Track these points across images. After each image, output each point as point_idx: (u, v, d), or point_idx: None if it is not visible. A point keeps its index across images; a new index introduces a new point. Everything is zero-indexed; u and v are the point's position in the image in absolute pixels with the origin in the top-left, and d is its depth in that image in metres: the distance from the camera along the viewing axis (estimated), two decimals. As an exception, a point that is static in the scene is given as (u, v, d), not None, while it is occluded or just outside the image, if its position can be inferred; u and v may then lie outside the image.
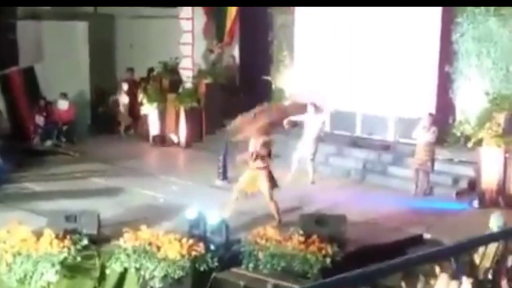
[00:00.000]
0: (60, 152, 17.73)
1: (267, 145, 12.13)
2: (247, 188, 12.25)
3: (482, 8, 14.87)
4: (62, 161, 16.85)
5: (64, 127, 18.81)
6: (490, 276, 8.80)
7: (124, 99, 19.91)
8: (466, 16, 15.15)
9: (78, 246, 10.69)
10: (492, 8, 14.76)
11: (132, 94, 19.91)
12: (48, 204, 12.95)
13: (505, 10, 14.54)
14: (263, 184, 12.06)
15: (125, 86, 19.89)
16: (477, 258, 8.84)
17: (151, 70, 19.55)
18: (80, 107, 19.83)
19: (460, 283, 7.81)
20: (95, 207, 12.12)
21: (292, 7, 17.76)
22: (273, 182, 12.14)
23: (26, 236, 10.74)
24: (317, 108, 14.98)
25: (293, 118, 15.01)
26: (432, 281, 5.75)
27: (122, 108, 19.96)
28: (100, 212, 11.51)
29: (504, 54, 14.72)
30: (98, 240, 11.09)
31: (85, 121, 20.28)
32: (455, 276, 7.51)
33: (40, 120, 18.53)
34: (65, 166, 16.23)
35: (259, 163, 12.04)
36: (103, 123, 20.11)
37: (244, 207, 12.78)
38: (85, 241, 10.79)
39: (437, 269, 6.55)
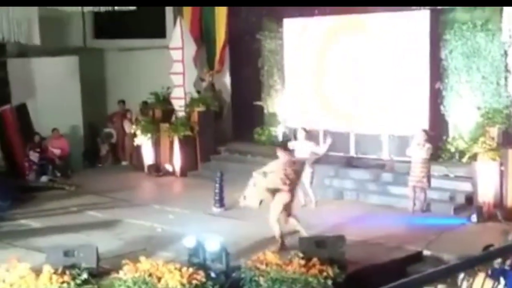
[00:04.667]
0: (55, 187, 17.68)
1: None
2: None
3: (470, 23, 14.99)
4: (57, 196, 16.78)
5: (59, 162, 18.82)
6: None
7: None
8: (454, 33, 15.26)
9: (78, 281, 10.63)
10: (479, 24, 14.88)
11: (122, 126, 20.03)
12: (46, 240, 12.88)
13: (492, 25, 14.67)
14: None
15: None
16: None
17: (145, 103, 19.59)
18: (74, 141, 19.85)
19: (497, 283, 7.87)
20: (93, 241, 12.08)
21: (280, 32, 17.88)
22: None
23: (25, 273, 10.66)
24: (307, 132, 15.06)
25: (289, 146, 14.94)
26: (471, 279, 5.80)
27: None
28: (98, 245, 11.46)
29: (494, 68, 14.82)
30: (98, 274, 11.03)
31: (79, 154, 20.29)
32: (492, 275, 7.54)
33: (34, 156, 18.49)
34: (61, 200, 16.16)
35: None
36: (97, 156, 20.26)
37: (243, 232, 12.78)
38: (84, 275, 10.73)
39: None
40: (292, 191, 12.15)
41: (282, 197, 12.06)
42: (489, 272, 7.44)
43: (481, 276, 5.45)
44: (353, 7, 16.17)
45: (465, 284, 6.04)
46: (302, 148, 14.76)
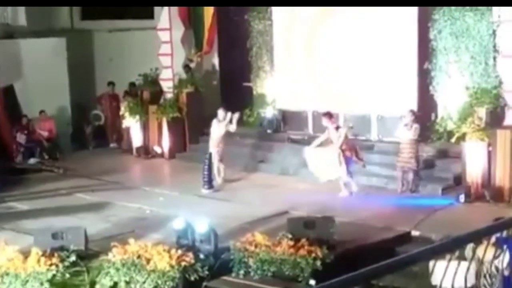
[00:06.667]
0: (43, 169, 17.59)
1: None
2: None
3: (458, 3, 14.94)
4: (46, 178, 16.72)
5: (46, 144, 18.72)
6: None
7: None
8: (443, 13, 15.20)
9: (66, 263, 10.61)
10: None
11: (113, 107, 19.91)
12: (34, 222, 12.84)
13: (481, 4, 14.62)
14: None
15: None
16: None
17: (132, 84, 19.47)
18: (61, 123, 19.74)
19: (500, 250, 7.97)
20: (81, 223, 12.05)
21: (269, 12, 17.78)
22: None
23: (13, 255, 10.64)
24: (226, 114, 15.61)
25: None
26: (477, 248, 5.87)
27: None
28: (87, 227, 11.44)
29: (482, 48, 14.77)
30: (86, 256, 11.02)
31: (67, 136, 20.19)
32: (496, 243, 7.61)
33: (22, 138, 18.39)
34: (49, 183, 16.10)
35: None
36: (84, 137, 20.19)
37: (231, 213, 12.79)
38: (73, 258, 10.71)
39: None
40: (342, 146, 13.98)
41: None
42: (494, 240, 7.48)
43: (485, 244, 5.49)
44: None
45: (471, 253, 6.08)
46: (215, 128, 15.36)
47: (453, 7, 15.01)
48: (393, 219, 12.42)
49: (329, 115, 14.63)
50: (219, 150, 15.23)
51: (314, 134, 16.53)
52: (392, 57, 15.65)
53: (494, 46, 14.57)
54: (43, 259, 10.51)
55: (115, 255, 10.60)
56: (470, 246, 6.05)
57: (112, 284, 10.51)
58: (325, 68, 16.79)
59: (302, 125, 17.36)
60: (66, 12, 21.96)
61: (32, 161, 18.18)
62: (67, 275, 10.53)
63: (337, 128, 14.32)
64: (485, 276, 8.12)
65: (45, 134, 18.87)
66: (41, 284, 10.33)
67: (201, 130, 18.51)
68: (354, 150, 14.30)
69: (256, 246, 10.63)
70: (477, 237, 4.22)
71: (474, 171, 13.53)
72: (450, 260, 3.77)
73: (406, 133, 13.94)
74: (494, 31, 14.48)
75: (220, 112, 15.55)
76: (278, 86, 17.79)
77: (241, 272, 10.47)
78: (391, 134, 14.98)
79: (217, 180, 15.23)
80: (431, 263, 3.74)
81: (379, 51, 15.85)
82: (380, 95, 15.87)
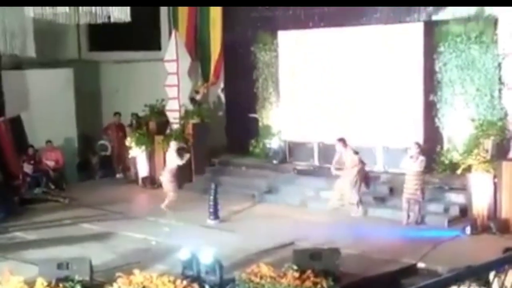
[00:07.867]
0: (49, 199, 17.61)
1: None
2: None
3: (464, 36, 15.02)
4: (51, 208, 16.72)
5: (53, 174, 18.77)
6: None
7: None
8: (448, 45, 15.29)
9: (71, 293, 10.60)
10: (473, 36, 14.91)
11: (119, 138, 19.98)
12: (40, 252, 12.83)
13: (486, 37, 14.71)
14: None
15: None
16: None
17: (135, 115, 19.52)
18: (68, 153, 19.81)
19: None
20: (87, 253, 12.03)
21: (275, 44, 17.90)
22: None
23: (18, 286, 10.62)
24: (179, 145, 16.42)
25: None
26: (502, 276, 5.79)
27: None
28: (92, 258, 11.42)
29: (488, 80, 14.83)
30: (91, 286, 10.99)
31: (73, 167, 20.24)
32: None
33: (28, 168, 18.45)
34: (55, 213, 16.11)
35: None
36: (91, 168, 20.22)
37: (237, 244, 12.76)
38: (78, 288, 10.70)
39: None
40: (353, 170, 14.71)
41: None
42: None
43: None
44: (347, 19, 16.27)
45: (496, 281, 5.99)
46: (170, 158, 15.97)
47: (458, 39, 15.09)
48: (399, 251, 12.37)
49: (343, 141, 14.95)
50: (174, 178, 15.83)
51: (320, 165, 16.58)
52: (398, 89, 15.73)
53: (500, 79, 14.64)
54: (48, 289, 10.49)
55: (120, 285, 10.57)
56: (493, 274, 5.99)
57: (117, 315, 10.47)
58: (331, 100, 16.85)
59: (308, 156, 17.41)
60: (74, 43, 22.15)
61: (38, 191, 18.20)
62: (72, 306, 10.50)
63: (356, 153, 14.91)
64: None
65: (51, 164, 18.93)
66: (46, 314, 10.30)
67: (207, 161, 18.58)
68: (366, 178, 14.92)
69: (261, 278, 10.59)
70: (484, 270, 4.20)
71: (480, 203, 13.51)
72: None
73: (411, 165, 13.94)
74: (499, 64, 14.56)
75: (172, 143, 16.28)
76: (284, 117, 17.85)
77: (246, 303, 10.42)
78: (396, 165, 14.98)
79: (164, 204, 15.71)
80: None
81: (385, 83, 15.92)
82: (386, 127, 15.91)
